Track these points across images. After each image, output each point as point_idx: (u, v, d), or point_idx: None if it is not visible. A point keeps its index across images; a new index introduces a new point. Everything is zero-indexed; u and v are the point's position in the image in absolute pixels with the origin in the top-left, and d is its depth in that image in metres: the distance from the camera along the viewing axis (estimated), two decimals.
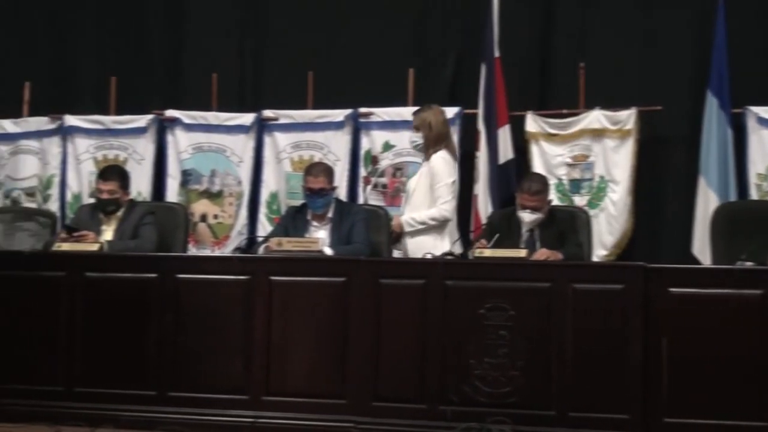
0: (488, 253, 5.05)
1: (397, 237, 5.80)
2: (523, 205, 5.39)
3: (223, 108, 7.18)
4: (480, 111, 6.63)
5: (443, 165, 5.73)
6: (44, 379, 5.18)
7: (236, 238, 6.81)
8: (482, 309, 4.73)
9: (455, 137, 6.77)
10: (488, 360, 4.71)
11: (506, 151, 6.59)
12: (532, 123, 6.77)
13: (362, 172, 6.99)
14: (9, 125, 7.39)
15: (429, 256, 5.23)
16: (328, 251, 5.38)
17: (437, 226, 5.74)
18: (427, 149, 5.79)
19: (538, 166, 6.67)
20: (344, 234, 5.56)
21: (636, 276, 4.68)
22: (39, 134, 7.33)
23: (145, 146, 7.19)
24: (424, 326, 4.83)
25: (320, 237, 5.49)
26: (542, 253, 5.15)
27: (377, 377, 4.85)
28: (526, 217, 5.37)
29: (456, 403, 4.72)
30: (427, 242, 5.67)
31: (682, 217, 6.63)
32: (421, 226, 5.74)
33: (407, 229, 5.76)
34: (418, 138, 5.84)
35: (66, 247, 5.45)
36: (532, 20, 7.02)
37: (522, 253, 5.05)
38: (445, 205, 5.72)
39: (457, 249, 5.64)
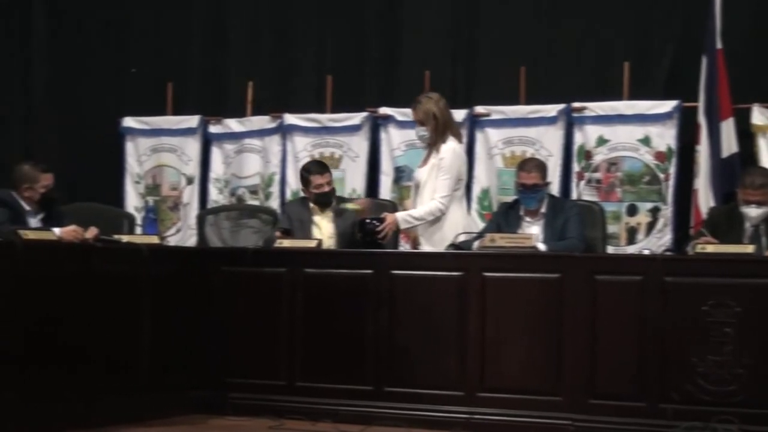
0: (711, 248, 4.89)
1: (390, 235, 5.69)
2: (746, 200, 5.20)
3: None
4: (701, 104, 6.39)
5: (453, 159, 5.63)
6: (267, 374, 5.36)
7: None
8: (705, 306, 4.60)
9: (673, 131, 6.60)
10: (712, 357, 4.57)
11: (729, 145, 6.32)
12: (759, 115, 6.45)
13: (575, 167, 6.86)
14: (234, 124, 7.63)
15: (647, 252, 5.11)
16: (542, 247, 5.33)
17: (434, 220, 5.62)
18: (436, 141, 5.68)
19: (766, 160, 6.36)
20: (558, 230, 5.49)
21: None
22: (261, 133, 7.52)
23: (360, 143, 7.30)
24: (642, 323, 4.74)
25: (533, 233, 5.44)
26: None
27: (594, 374, 4.80)
28: (752, 212, 5.17)
29: (677, 401, 4.61)
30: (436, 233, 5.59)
31: None
32: (419, 223, 5.64)
33: (404, 226, 5.67)
34: (424, 131, 5.71)
35: (286, 243, 5.61)
36: (758, 9, 6.70)
37: (749, 248, 4.87)
38: (444, 199, 5.59)
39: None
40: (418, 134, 5.83)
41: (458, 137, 5.80)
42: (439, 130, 5.67)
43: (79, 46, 8.14)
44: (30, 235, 4.90)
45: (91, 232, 5.24)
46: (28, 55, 8.16)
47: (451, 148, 5.66)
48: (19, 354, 4.60)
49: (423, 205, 5.65)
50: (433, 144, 5.71)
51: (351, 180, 7.03)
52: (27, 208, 5.43)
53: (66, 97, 8.10)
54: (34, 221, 5.42)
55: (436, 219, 5.63)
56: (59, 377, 4.80)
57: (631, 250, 6.51)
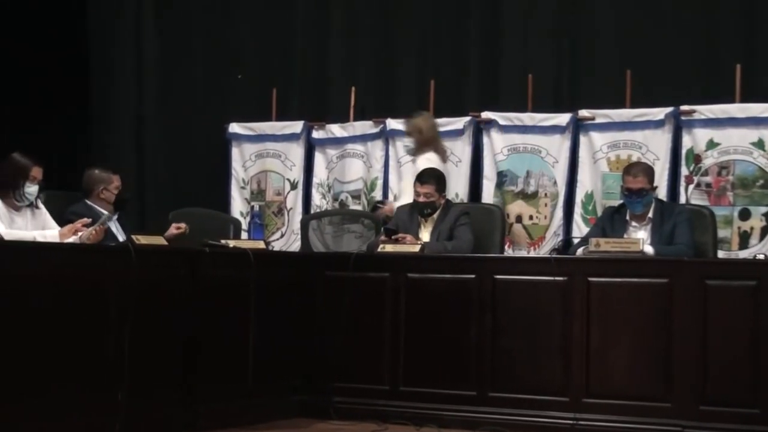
0: None
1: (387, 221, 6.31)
2: None
3: (538, 108, 7.15)
4: None
5: (425, 165, 6.24)
6: (371, 378, 5.38)
7: (551, 240, 6.76)
8: None
9: None
10: None
11: None
12: None
13: (683, 171, 6.72)
14: (337, 129, 7.66)
15: (761, 257, 4.99)
16: (649, 250, 5.23)
17: None
18: (417, 152, 6.54)
19: None
20: (666, 234, 5.41)
21: None
22: (364, 138, 7.55)
23: (462, 148, 7.27)
24: (756, 328, 4.65)
25: (640, 237, 5.35)
26: None
27: (705, 380, 4.72)
28: None
29: None
30: None
31: None
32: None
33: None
34: (410, 143, 6.68)
35: (389, 248, 5.62)
36: None
37: None
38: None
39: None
40: (404, 145, 6.91)
41: (441, 154, 6.56)
42: (420, 143, 6.57)
43: (187, 54, 8.30)
44: (142, 240, 5.00)
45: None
46: (138, 64, 8.36)
47: (425, 157, 6.42)
48: (131, 357, 4.68)
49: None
50: (415, 155, 6.58)
51: (454, 185, 6.99)
52: (104, 212, 5.54)
53: (174, 104, 8.27)
54: (111, 225, 5.53)
55: None
56: (166, 380, 4.90)
57: (744, 254, 6.36)
